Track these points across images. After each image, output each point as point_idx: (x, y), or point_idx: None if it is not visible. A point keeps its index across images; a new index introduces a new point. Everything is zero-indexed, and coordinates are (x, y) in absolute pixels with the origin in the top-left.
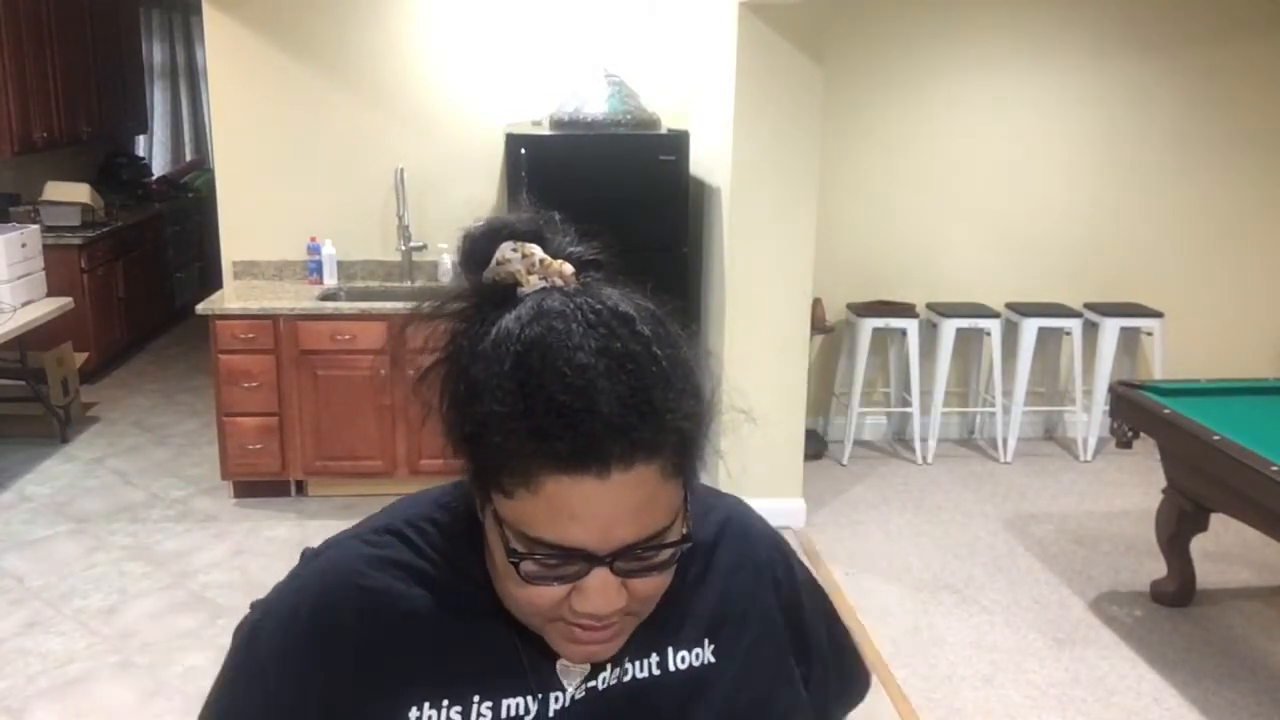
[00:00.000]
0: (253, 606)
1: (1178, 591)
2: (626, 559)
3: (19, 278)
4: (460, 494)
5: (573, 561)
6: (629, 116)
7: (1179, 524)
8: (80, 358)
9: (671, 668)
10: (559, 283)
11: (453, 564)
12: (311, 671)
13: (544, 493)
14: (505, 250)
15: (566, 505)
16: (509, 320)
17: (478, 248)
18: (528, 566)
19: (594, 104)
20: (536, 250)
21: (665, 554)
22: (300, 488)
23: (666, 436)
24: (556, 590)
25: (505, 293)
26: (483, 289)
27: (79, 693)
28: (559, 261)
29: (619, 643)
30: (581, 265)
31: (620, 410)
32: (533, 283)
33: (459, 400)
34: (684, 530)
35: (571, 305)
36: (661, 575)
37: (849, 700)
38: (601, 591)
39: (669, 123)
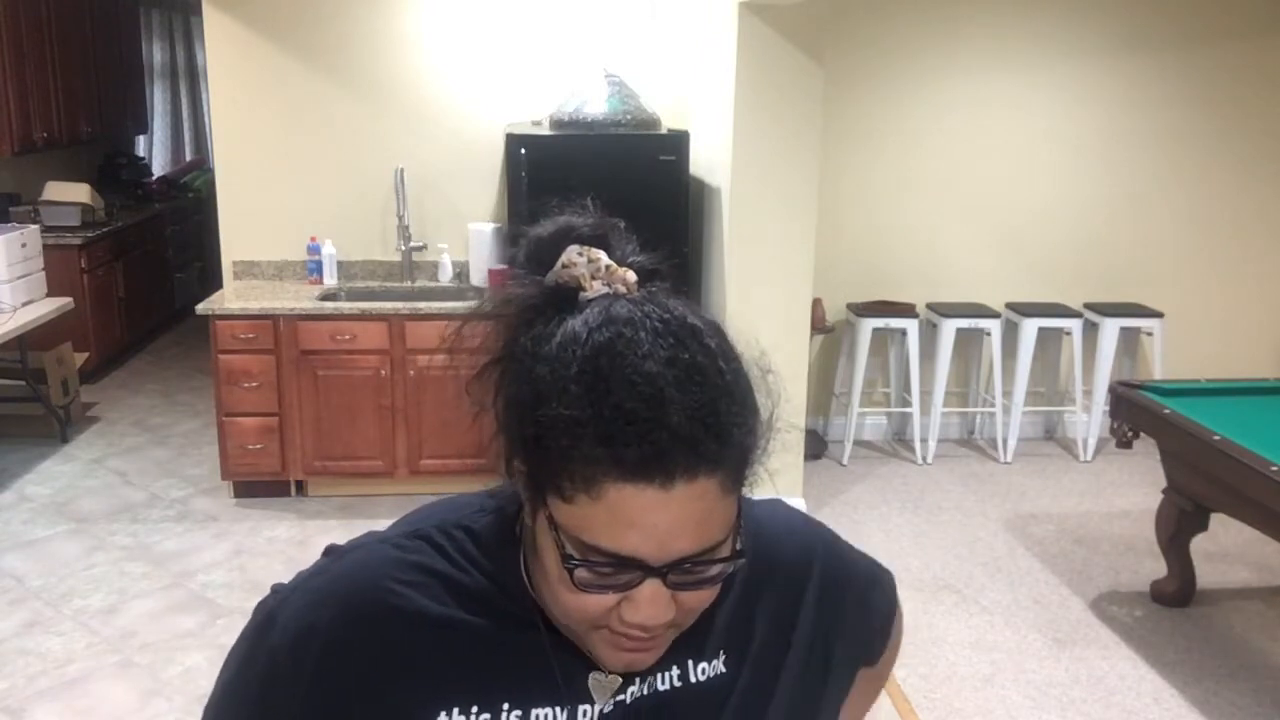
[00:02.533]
0: (274, 590)
1: (1178, 591)
2: (679, 572)
3: (19, 278)
4: (495, 503)
5: (627, 571)
6: (629, 116)
7: (1179, 524)
8: (80, 358)
9: (692, 679)
10: (622, 290)
11: (485, 572)
12: (329, 671)
13: (605, 500)
14: (571, 254)
15: (627, 513)
16: (576, 323)
17: (543, 249)
18: (582, 574)
19: (594, 104)
20: (602, 256)
21: (717, 568)
22: (300, 488)
23: (730, 451)
24: (607, 599)
25: (568, 296)
26: (545, 291)
27: (79, 693)
28: (623, 269)
29: (659, 653)
30: (645, 275)
31: (688, 422)
32: (596, 288)
33: (520, 401)
34: (736, 546)
35: (640, 313)
36: (711, 589)
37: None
38: (653, 603)
39: (669, 123)
